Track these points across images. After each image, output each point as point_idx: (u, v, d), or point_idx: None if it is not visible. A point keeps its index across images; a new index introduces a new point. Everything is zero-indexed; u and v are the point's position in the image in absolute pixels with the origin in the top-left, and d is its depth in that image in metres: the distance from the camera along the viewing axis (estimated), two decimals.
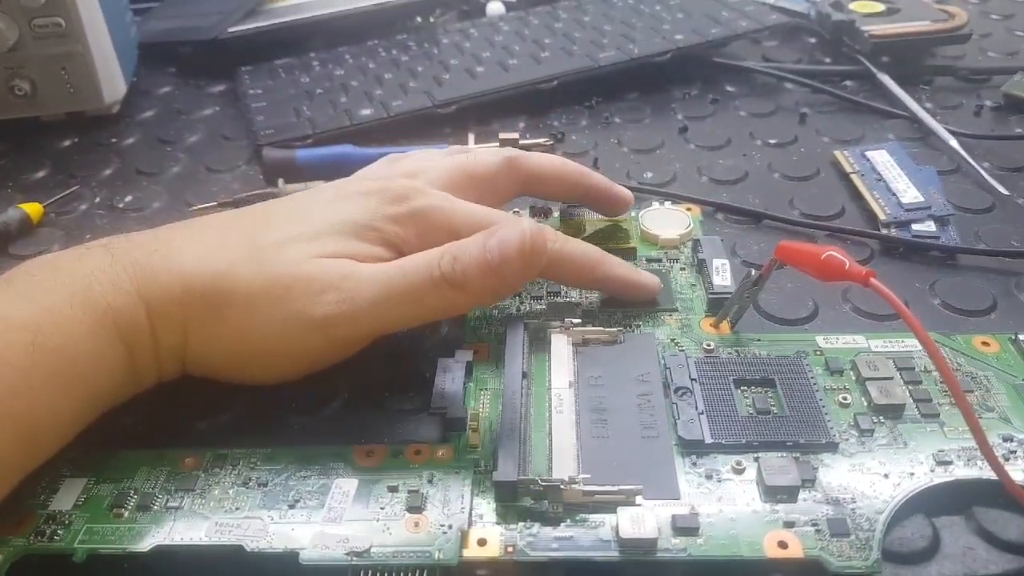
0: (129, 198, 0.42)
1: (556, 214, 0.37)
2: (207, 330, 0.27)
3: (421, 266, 0.27)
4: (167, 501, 0.24)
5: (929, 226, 0.36)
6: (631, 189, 0.40)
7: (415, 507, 0.24)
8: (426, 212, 0.29)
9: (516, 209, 0.38)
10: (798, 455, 0.25)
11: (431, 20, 0.61)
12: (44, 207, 0.41)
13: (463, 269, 0.26)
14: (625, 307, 0.31)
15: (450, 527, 0.23)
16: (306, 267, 0.27)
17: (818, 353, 0.29)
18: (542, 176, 0.33)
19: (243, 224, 0.29)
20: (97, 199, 0.42)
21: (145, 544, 0.23)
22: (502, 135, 0.43)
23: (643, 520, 0.23)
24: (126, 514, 0.24)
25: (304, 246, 0.27)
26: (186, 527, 0.24)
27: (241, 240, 0.28)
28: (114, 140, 0.47)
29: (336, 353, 0.28)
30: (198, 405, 0.28)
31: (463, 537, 0.23)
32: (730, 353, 0.29)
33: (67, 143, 0.47)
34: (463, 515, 0.23)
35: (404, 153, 0.34)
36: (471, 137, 0.45)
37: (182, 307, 0.27)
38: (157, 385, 0.28)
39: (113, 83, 0.48)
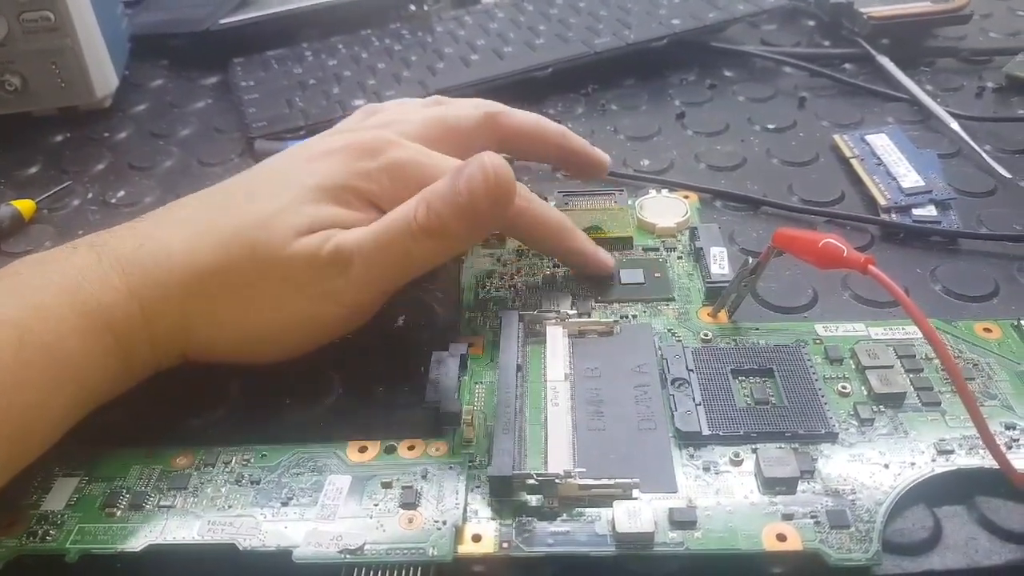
0: (122, 193, 0.42)
1: (552, 203, 0.37)
2: (206, 319, 0.27)
3: (399, 221, 0.27)
4: (159, 500, 0.24)
5: (930, 211, 0.35)
6: (628, 177, 0.40)
7: (409, 503, 0.23)
8: (400, 165, 0.28)
9: None
10: (797, 446, 0.25)
11: (425, 8, 0.60)
12: (36, 203, 0.40)
13: (437, 216, 0.26)
14: (623, 300, 0.31)
15: (444, 523, 0.23)
16: (296, 249, 0.26)
17: (817, 342, 0.29)
18: (520, 133, 0.33)
19: (224, 201, 0.29)
20: (90, 195, 0.42)
21: (138, 543, 0.23)
22: None
23: (640, 514, 0.22)
24: (118, 513, 0.24)
25: (289, 221, 0.27)
26: (179, 526, 0.23)
27: (225, 219, 0.27)
28: (106, 134, 0.47)
29: (344, 323, 0.28)
30: (190, 402, 0.28)
31: (458, 533, 0.23)
32: (728, 343, 0.29)
33: (59, 138, 0.47)
34: (457, 511, 0.23)
35: (380, 104, 0.34)
36: None
37: (179, 300, 0.26)
38: (149, 383, 0.28)
39: (104, 77, 0.47)
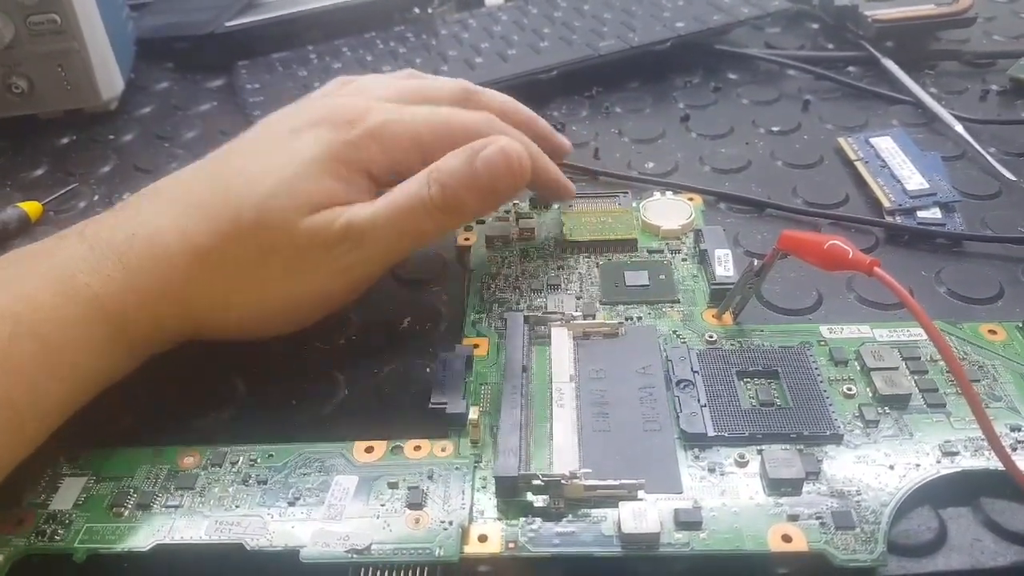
0: (127, 195, 0.41)
1: (556, 206, 0.37)
2: (210, 301, 0.27)
3: (413, 198, 0.27)
4: (167, 499, 0.24)
5: (935, 213, 0.35)
6: (632, 180, 0.40)
7: (415, 503, 0.23)
8: (383, 127, 0.29)
9: (516, 202, 0.37)
10: (802, 447, 0.25)
11: (429, 11, 0.60)
12: (43, 205, 0.40)
13: (454, 194, 0.27)
14: (627, 303, 0.31)
15: (451, 523, 0.23)
16: (304, 229, 0.27)
17: (822, 344, 0.29)
18: (494, 112, 0.33)
19: (213, 181, 0.28)
20: (96, 196, 0.42)
21: (145, 543, 0.23)
22: None
23: (645, 514, 0.23)
24: (126, 513, 0.24)
25: (291, 200, 0.27)
26: (186, 525, 0.23)
27: (219, 200, 0.27)
28: (112, 137, 0.47)
29: (353, 294, 0.30)
30: (197, 403, 0.28)
31: (464, 533, 0.23)
32: (733, 345, 0.29)
33: (65, 140, 0.47)
34: (464, 511, 0.23)
35: (355, 76, 0.34)
36: None
37: (179, 283, 0.26)
38: (156, 384, 0.28)
39: (110, 80, 0.48)
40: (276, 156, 0.28)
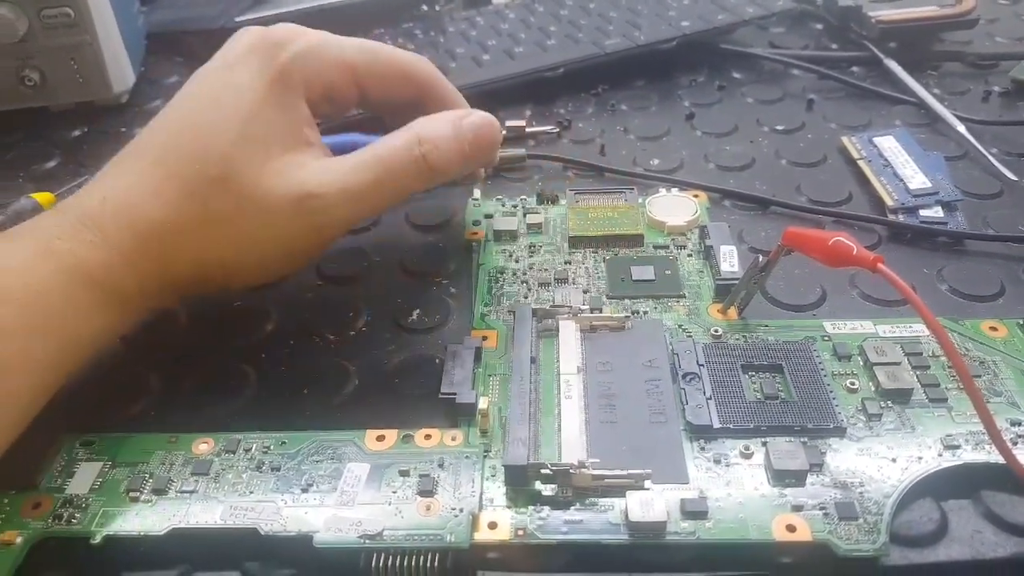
0: None
1: (563, 201, 0.37)
2: (189, 257, 0.27)
3: (402, 152, 0.29)
4: (182, 485, 0.25)
5: (937, 212, 0.36)
6: (637, 176, 0.40)
7: (426, 491, 0.24)
8: (314, 48, 0.30)
9: (522, 196, 0.38)
10: (806, 440, 0.25)
11: (437, 8, 0.61)
12: (55, 196, 0.41)
13: (443, 155, 0.29)
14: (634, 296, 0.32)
15: (461, 510, 0.23)
16: (266, 181, 0.27)
17: (826, 339, 0.29)
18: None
19: (172, 140, 0.28)
20: None
21: (161, 527, 0.23)
22: (509, 122, 0.43)
23: (652, 504, 0.23)
24: (142, 497, 0.24)
25: (249, 151, 0.27)
26: (201, 510, 0.24)
27: (179, 156, 0.28)
28: (123, 129, 0.48)
29: (332, 241, 0.30)
30: (210, 390, 0.29)
31: (474, 520, 0.23)
32: (738, 339, 0.29)
33: (77, 133, 0.47)
34: (474, 499, 0.24)
35: None
36: None
37: (157, 242, 0.27)
38: (170, 371, 0.28)
39: (122, 73, 0.48)
40: (222, 97, 0.28)
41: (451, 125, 0.30)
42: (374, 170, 0.29)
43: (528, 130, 0.44)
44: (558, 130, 0.44)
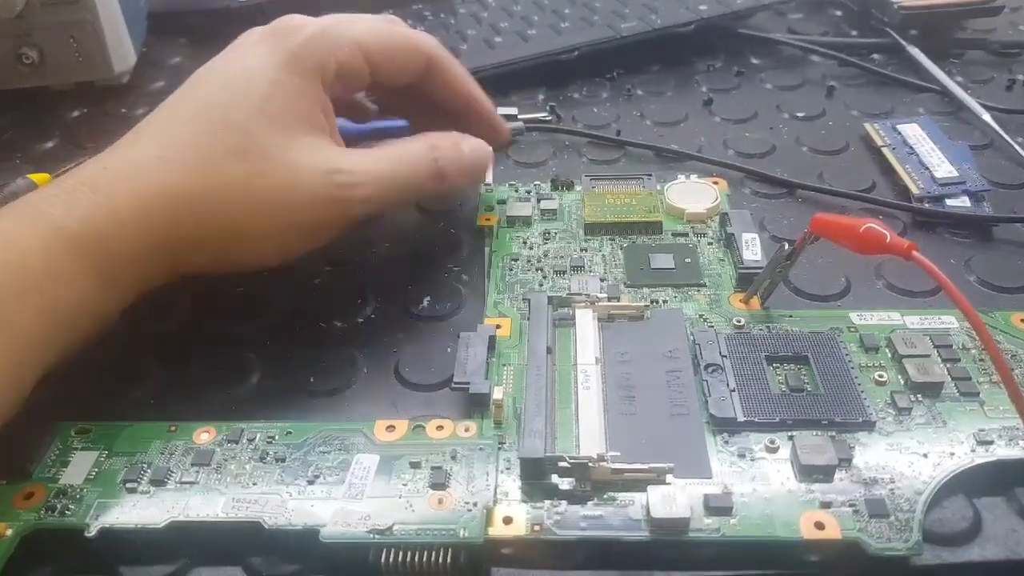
0: None
1: (578, 187, 0.36)
2: (201, 222, 0.27)
3: (420, 152, 0.30)
4: (181, 476, 0.24)
5: (963, 201, 0.35)
6: (660, 150, 0.39)
7: (438, 484, 0.23)
8: (325, 30, 0.30)
9: (536, 182, 0.37)
10: (833, 434, 0.24)
11: None
12: (53, 177, 0.40)
13: (451, 163, 0.31)
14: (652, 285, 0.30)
15: (475, 504, 0.22)
16: (302, 155, 0.28)
17: (852, 330, 0.28)
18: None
19: (188, 113, 0.28)
20: None
21: (160, 519, 0.22)
22: (501, 110, 0.42)
23: (675, 499, 0.22)
24: (139, 488, 0.23)
25: (273, 132, 0.27)
26: (202, 503, 0.23)
27: (197, 131, 0.27)
28: (124, 111, 0.47)
29: (332, 231, 0.30)
30: (212, 378, 0.28)
31: (488, 515, 0.22)
32: (761, 329, 0.28)
33: (76, 113, 0.46)
34: (488, 492, 0.23)
35: None
36: None
37: (164, 209, 0.26)
38: (169, 357, 0.27)
39: (122, 52, 0.47)
40: (235, 81, 0.28)
41: (457, 140, 0.31)
42: (395, 163, 0.30)
43: (521, 117, 0.42)
44: (551, 118, 0.43)
